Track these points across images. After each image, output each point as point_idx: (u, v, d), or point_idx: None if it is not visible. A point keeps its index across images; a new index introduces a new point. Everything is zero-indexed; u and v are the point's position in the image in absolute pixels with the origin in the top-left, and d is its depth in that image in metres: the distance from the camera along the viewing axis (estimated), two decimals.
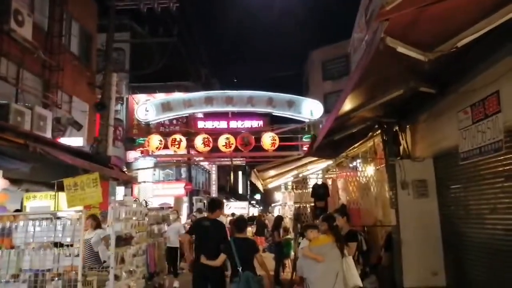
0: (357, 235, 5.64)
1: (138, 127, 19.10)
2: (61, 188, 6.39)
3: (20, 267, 4.02)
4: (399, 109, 6.94)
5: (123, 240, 4.77)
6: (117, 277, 4.73)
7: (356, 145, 8.67)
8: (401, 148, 7.51)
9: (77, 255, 4.17)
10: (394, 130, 7.50)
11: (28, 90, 10.82)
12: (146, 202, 6.74)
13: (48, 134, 10.56)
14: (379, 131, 7.80)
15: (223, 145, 13.86)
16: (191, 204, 25.94)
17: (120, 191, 14.69)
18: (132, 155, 20.27)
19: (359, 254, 5.77)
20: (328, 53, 29.55)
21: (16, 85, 10.48)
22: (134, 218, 5.26)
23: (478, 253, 5.79)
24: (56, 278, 4.15)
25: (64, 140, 11.17)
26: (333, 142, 6.93)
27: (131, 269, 5.10)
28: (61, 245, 4.26)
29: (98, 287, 4.61)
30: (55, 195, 8.06)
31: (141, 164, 18.55)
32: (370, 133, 7.95)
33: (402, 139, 7.49)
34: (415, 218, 6.98)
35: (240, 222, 5.49)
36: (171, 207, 17.79)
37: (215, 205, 6.08)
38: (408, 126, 7.43)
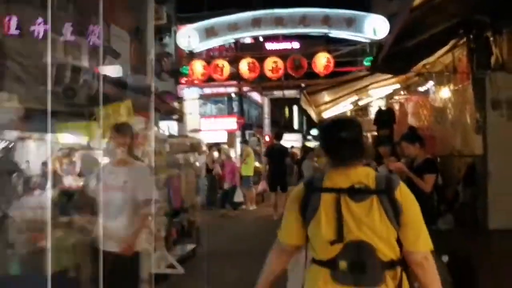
0: (436, 165, 4.42)
1: (188, 60, 18.32)
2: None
3: None
4: (495, 5, 5.33)
5: None
6: None
7: (430, 59, 7.24)
8: (493, 58, 6.00)
9: None
10: (485, 35, 5.95)
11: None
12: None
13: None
14: (463, 40, 6.30)
15: (269, 69, 12.16)
16: (243, 139, 25.48)
17: (172, 125, 14.06)
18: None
19: (435, 189, 4.61)
20: None
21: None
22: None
23: None
24: None
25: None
26: (404, 51, 5.61)
27: None
28: None
29: None
30: (88, 125, 7.57)
31: (186, 95, 17.63)
32: (452, 41, 6.42)
33: (496, 47, 5.94)
34: (509, 145, 5.67)
35: (307, 148, 9.96)
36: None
37: (281, 135, 10.71)
38: (504, 29, 5.82)
